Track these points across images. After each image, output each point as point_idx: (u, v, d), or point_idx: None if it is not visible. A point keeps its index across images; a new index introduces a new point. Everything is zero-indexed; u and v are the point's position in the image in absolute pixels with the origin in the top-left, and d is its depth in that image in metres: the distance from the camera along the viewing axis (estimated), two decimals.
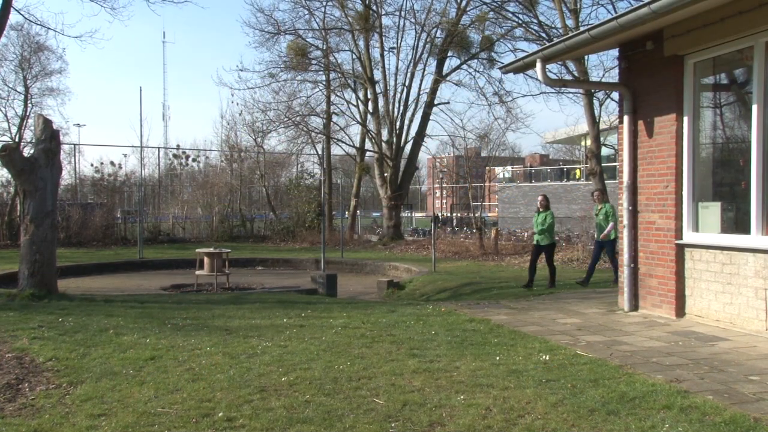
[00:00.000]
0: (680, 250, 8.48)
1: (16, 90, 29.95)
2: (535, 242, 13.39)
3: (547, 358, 6.47)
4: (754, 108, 7.48)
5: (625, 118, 9.25)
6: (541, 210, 13.23)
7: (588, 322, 8.51)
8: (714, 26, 7.65)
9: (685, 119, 8.43)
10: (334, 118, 29.23)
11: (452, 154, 42.00)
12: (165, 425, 4.62)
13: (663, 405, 4.94)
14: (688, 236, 8.42)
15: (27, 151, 12.63)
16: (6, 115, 30.18)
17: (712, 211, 8.30)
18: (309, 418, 4.73)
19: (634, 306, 9.21)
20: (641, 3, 7.38)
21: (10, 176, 19.36)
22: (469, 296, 12.78)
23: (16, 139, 28.10)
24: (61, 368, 6.20)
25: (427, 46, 25.82)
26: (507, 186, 40.47)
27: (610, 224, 13.02)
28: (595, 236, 13.71)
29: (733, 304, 7.76)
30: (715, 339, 7.30)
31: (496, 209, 39.51)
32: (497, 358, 6.51)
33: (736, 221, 8.01)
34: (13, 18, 19.36)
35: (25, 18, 28.23)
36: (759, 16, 7.11)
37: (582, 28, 9.17)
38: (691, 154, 8.43)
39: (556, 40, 9.90)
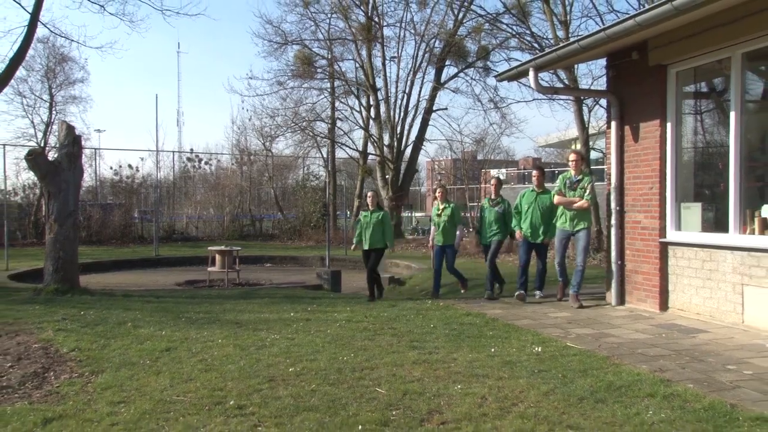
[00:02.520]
0: (664, 247, 8.50)
1: (41, 98, 30.18)
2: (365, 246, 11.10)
3: (539, 349, 6.48)
4: (732, 115, 7.52)
5: (613, 124, 9.27)
6: (371, 209, 11.05)
7: (577, 316, 8.53)
8: (695, 38, 7.68)
9: (668, 125, 8.45)
10: (339, 124, 29.29)
11: (450, 157, 41.99)
12: (180, 412, 4.65)
13: (647, 393, 4.96)
14: (671, 235, 8.44)
15: (51, 156, 12.68)
16: (32, 122, 30.41)
17: (693, 211, 8.31)
18: (315, 406, 4.74)
19: (621, 301, 9.23)
20: (627, 16, 7.44)
21: (36, 179, 19.42)
22: (465, 291, 12.78)
23: (42, 144, 28.24)
24: (83, 358, 6.24)
25: (426, 55, 25.83)
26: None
27: (458, 230, 11.09)
28: (437, 240, 11.12)
29: (713, 298, 7.78)
30: (695, 331, 7.32)
31: None
32: (492, 349, 6.53)
33: (716, 221, 8.03)
34: (40, 31, 19.44)
35: (51, 31, 28.30)
36: (736, 29, 7.14)
37: (572, 39, 9.20)
38: (673, 158, 8.45)
39: (547, 50, 9.93)
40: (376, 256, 10.94)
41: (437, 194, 11.30)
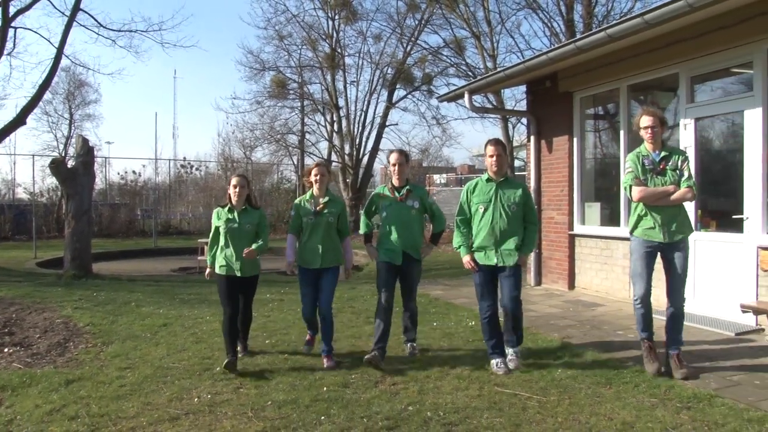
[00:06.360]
0: (572, 238, 8.69)
1: (63, 116, 30.76)
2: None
3: (473, 323, 6.55)
4: (621, 133, 7.82)
5: (532, 138, 9.43)
6: (235, 205, 5.27)
7: None
8: (593, 72, 7.92)
9: (575, 140, 8.64)
10: (307, 136, 28.98)
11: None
12: (175, 377, 4.64)
13: (558, 355, 5.11)
14: (578, 228, 8.64)
15: (70, 164, 12.60)
16: (56, 136, 31.08)
17: (594, 209, 8.52)
18: (287, 372, 4.77)
19: (539, 282, 9.39)
20: (541, 52, 7.63)
21: (57, 183, 19.75)
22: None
23: (62, 154, 28.46)
24: (96, 331, 6.20)
25: (380, 80, 25.78)
26: (442, 189, 40.69)
27: (347, 247, 5.74)
28: (306, 260, 5.45)
29: (608, 279, 8.01)
30: (595, 305, 7.52)
31: None
32: (435, 323, 6.60)
33: (611, 217, 8.25)
34: (63, 62, 19.42)
35: (72, 61, 28.13)
36: (623, 67, 7.46)
37: (499, 69, 9.31)
38: (579, 166, 8.65)
39: (479, 77, 10.03)
40: (252, 286, 5.43)
41: (315, 177, 5.32)
